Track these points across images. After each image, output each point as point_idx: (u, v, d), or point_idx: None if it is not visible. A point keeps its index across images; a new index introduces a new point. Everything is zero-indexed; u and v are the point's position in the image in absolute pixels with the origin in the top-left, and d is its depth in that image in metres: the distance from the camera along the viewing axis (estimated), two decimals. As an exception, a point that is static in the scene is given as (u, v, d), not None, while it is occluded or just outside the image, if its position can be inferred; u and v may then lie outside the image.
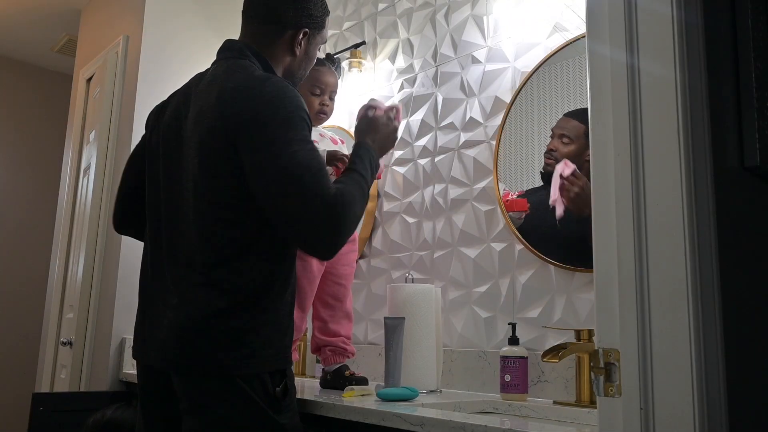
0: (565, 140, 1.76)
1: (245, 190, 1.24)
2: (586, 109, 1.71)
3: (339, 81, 1.88)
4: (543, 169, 1.82)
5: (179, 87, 1.48)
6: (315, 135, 1.81)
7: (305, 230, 1.19)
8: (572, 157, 1.74)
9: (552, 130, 1.80)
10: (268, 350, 1.25)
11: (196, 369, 1.24)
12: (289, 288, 1.32)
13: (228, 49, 1.44)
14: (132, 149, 1.55)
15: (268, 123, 1.22)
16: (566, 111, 1.79)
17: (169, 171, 1.37)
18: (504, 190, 1.90)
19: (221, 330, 1.23)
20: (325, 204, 1.16)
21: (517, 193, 1.85)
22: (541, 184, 1.82)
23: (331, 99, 1.86)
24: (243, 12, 1.49)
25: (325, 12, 1.52)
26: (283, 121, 1.22)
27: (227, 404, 1.22)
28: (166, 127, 1.40)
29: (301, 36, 1.45)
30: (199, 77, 1.42)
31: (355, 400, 1.41)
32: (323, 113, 1.85)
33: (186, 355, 1.24)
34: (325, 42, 1.58)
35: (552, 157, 1.79)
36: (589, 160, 1.66)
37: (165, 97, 1.50)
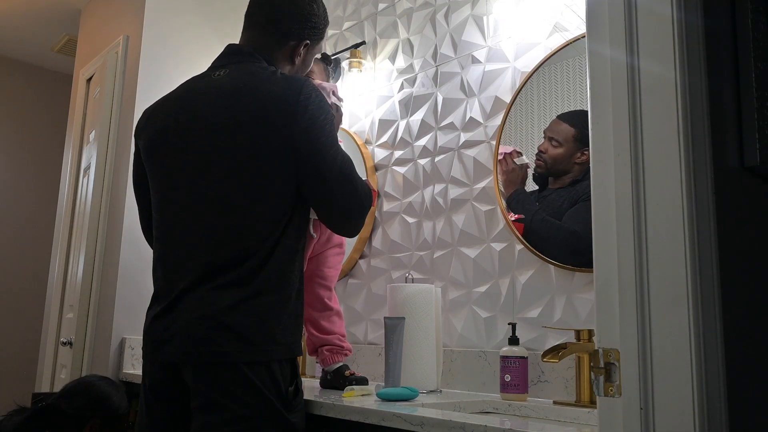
0: (554, 143, 1.78)
1: (278, 186, 1.32)
2: (577, 111, 1.75)
3: (340, 81, 1.88)
4: (534, 170, 1.83)
5: (172, 90, 1.49)
6: None
7: (354, 216, 1.42)
8: (561, 160, 1.76)
9: (544, 132, 1.81)
10: (286, 337, 1.32)
11: (215, 359, 1.26)
12: (300, 277, 1.40)
13: (237, 53, 1.46)
14: (131, 155, 1.55)
15: (321, 128, 1.33)
16: (566, 111, 1.79)
17: (178, 173, 1.38)
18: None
19: (240, 321, 1.27)
20: (368, 196, 1.43)
21: (516, 216, 1.85)
22: (536, 187, 1.82)
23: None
24: (247, 16, 1.51)
25: (326, 23, 1.56)
26: (330, 126, 1.36)
27: (241, 401, 1.25)
28: (166, 131, 1.41)
29: (302, 48, 1.50)
30: (206, 80, 1.43)
31: (355, 400, 1.41)
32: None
33: (204, 346, 1.27)
34: (322, 51, 1.61)
35: (541, 158, 1.80)
36: (578, 163, 1.73)
37: (191, 77, 1.50)
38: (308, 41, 1.51)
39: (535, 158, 1.82)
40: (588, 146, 1.74)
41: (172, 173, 1.39)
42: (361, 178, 1.42)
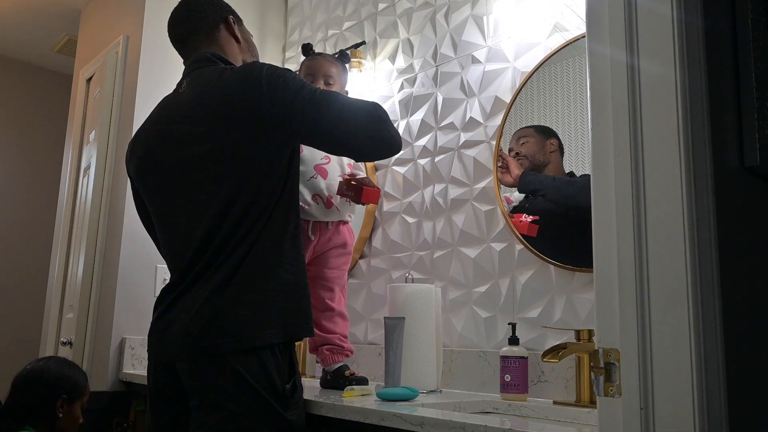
0: (522, 141, 1.88)
1: (257, 175, 1.33)
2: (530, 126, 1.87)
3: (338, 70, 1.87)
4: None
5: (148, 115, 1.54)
6: None
7: (377, 140, 1.38)
8: (536, 150, 1.85)
9: (510, 148, 1.90)
10: (281, 320, 1.31)
11: (204, 352, 1.27)
12: (292, 262, 1.38)
13: (194, 62, 1.49)
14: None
15: (285, 89, 1.32)
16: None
17: (168, 188, 1.42)
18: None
19: (228, 314, 1.28)
20: (369, 111, 1.38)
21: (531, 218, 1.84)
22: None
23: (327, 83, 1.84)
24: (175, 39, 1.56)
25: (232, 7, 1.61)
26: (292, 81, 1.34)
27: (237, 400, 1.25)
28: (149, 154, 1.45)
29: (233, 24, 1.55)
30: (174, 96, 1.48)
31: (355, 400, 1.41)
32: None
33: (195, 342, 1.27)
34: (251, 35, 1.65)
35: (520, 156, 1.88)
36: (553, 151, 1.80)
37: (164, 97, 1.54)
38: (230, 15, 1.56)
39: (516, 162, 1.88)
40: (552, 135, 1.81)
41: (163, 191, 1.43)
42: (356, 100, 1.41)
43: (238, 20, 1.58)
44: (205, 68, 1.44)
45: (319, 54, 1.92)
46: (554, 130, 1.82)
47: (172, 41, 1.56)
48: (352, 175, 1.80)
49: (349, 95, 1.81)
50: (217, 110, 1.33)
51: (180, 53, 1.56)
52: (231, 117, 1.32)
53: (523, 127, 1.90)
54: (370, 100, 1.43)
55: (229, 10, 1.57)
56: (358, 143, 1.38)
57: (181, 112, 1.41)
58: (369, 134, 1.36)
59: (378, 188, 1.77)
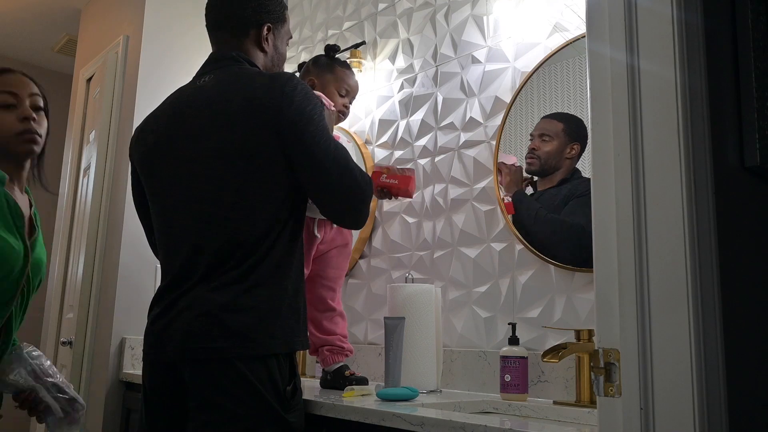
0: (546, 138, 1.81)
1: (274, 183, 1.32)
2: (562, 112, 1.81)
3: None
4: (526, 170, 1.85)
5: (163, 100, 1.51)
6: None
7: (357, 205, 1.39)
8: (554, 154, 1.79)
9: (531, 134, 1.84)
10: (285, 332, 1.31)
11: (210, 355, 1.26)
12: (299, 272, 1.39)
13: (219, 59, 1.47)
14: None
15: (310, 118, 1.32)
16: (566, 111, 1.79)
17: (174, 182, 1.39)
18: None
19: (236, 318, 1.27)
20: (368, 183, 1.40)
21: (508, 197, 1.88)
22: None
23: (351, 103, 1.87)
24: (207, 26, 1.52)
25: (283, 6, 1.56)
26: (319, 116, 1.35)
27: (236, 400, 1.25)
28: (157, 144, 1.43)
29: (265, 32, 1.50)
30: (192, 89, 1.44)
31: (355, 400, 1.41)
32: (343, 114, 1.85)
33: (200, 343, 1.27)
34: (291, 36, 1.61)
35: (534, 155, 1.83)
36: (568, 158, 1.76)
37: (164, 97, 1.52)
38: (268, 24, 1.50)
39: (526, 158, 1.84)
40: (575, 140, 1.74)
41: (168, 183, 1.40)
42: (358, 166, 1.40)
43: (278, 28, 1.53)
44: (231, 67, 1.42)
45: (350, 67, 1.89)
46: (584, 132, 1.72)
47: (206, 23, 1.53)
48: (388, 166, 1.71)
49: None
50: (240, 110, 1.32)
51: (209, 37, 1.53)
52: (252, 120, 1.31)
53: (554, 117, 1.80)
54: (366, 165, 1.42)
55: (270, 17, 1.50)
56: (334, 209, 1.40)
57: (201, 106, 1.37)
58: (347, 206, 1.38)
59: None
